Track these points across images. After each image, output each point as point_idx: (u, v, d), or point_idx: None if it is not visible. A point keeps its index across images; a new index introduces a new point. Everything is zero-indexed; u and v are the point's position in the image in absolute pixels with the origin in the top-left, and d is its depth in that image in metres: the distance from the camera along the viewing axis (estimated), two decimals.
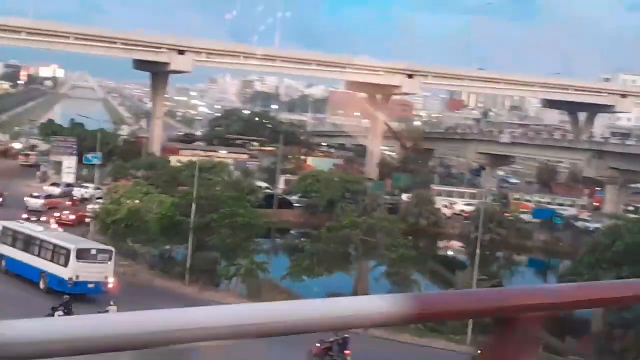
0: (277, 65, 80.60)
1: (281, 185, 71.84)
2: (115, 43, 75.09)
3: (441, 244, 68.63)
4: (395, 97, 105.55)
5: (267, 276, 41.17)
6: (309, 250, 42.82)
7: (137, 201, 45.79)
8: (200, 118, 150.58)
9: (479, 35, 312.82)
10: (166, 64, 75.07)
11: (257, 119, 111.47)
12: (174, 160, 70.55)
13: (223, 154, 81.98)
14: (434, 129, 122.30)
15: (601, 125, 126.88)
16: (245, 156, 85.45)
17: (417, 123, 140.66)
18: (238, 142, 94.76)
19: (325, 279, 42.27)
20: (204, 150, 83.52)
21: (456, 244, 68.44)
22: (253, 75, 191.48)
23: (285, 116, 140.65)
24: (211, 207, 43.12)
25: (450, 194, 73.28)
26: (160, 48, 75.91)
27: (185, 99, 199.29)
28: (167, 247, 44.65)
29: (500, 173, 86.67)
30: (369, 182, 74.49)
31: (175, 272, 41.83)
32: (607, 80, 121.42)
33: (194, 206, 42.01)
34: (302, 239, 57.58)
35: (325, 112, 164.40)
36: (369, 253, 39.86)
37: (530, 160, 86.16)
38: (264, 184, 70.96)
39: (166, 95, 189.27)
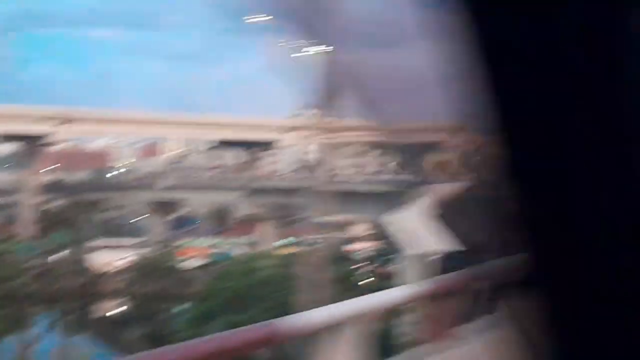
0: None
1: None
2: None
3: (100, 303, 62.51)
4: (91, 146, 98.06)
5: None
6: None
7: None
8: None
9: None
10: None
11: None
12: None
13: None
14: (124, 178, 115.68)
15: (287, 161, 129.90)
16: None
17: (109, 173, 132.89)
18: None
19: None
20: None
21: (115, 301, 62.77)
22: None
23: None
24: None
25: (114, 247, 67.96)
26: None
27: None
28: None
29: (177, 218, 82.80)
30: (15, 244, 66.13)
31: None
32: (298, 116, 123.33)
33: None
34: None
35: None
36: None
37: (208, 203, 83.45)
38: None
39: None
